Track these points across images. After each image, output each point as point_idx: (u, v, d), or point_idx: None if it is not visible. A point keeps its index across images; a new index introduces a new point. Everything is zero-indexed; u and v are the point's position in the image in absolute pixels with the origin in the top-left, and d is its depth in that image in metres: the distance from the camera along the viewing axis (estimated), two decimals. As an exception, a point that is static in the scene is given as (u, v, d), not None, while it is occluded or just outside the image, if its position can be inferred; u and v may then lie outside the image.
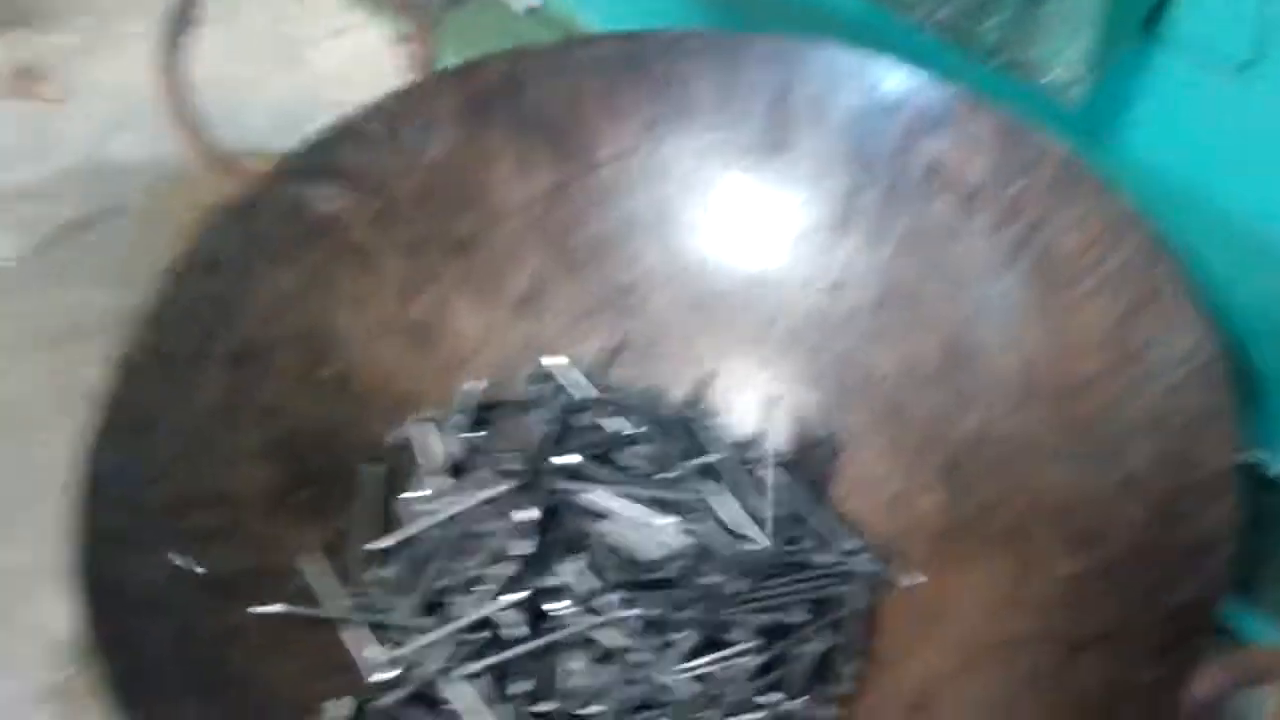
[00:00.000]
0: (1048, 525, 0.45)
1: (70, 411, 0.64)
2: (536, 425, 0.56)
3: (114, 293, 0.71)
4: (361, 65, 0.90)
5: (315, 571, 0.49)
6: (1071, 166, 0.49)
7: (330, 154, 0.54)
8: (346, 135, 0.54)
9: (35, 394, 0.65)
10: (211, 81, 0.76)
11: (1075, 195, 0.48)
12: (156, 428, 0.46)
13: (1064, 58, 0.41)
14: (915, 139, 0.54)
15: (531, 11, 0.83)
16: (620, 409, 0.58)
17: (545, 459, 0.54)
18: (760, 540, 0.51)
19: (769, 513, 0.53)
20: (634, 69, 0.58)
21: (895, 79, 0.54)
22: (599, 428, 0.57)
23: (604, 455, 0.56)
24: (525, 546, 0.49)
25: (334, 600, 0.49)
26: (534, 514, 0.50)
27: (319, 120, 0.85)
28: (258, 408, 0.50)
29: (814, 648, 0.47)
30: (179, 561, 0.44)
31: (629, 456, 0.56)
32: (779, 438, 0.56)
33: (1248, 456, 0.50)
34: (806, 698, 0.46)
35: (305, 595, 0.48)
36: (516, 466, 0.53)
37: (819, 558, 0.50)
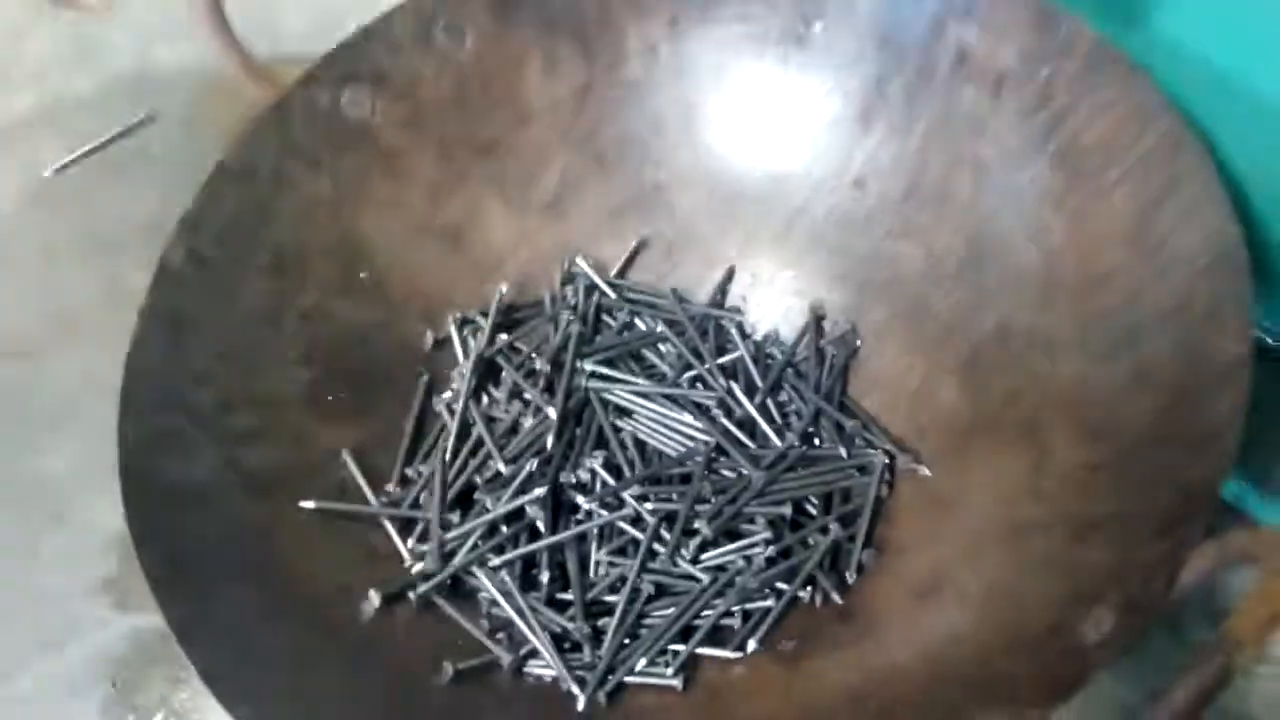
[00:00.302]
0: (1062, 417, 0.45)
1: (121, 316, 0.66)
2: (564, 325, 0.57)
3: (161, 199, 0.72)
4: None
5: (352, 469, 0.51)
6: (1100, 52, 0.47)
7: (360, 58, 0.54)
8: (376, 38, 0.55)
9: (87, 299, 0.68)
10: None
11: (1103, 81, 0.47)
12: (200, 331, 0.48)
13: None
14: (944, 25, 0.53)
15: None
16: (646, 308, 0.58)
17: (572, 358, 0.55)
18: (776, 437, 0.52)
19: (789, 409, 0.54)
20: (658, -39, 0.57)
21: (924, -38, 0.53)
22: (625, 326, 0.58)
23: (630, 353, 0.57)
24: (546, 443, 0.50)
25: (369, 496, 0.51)
26: (552, 413, 0.51)
27: (353, 22, 0.85)
28: (297, 312, 0.52)
29: (826, 538, 0.48)
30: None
31: (654, 354, 0.57)
32: (801, 334, 0.57)
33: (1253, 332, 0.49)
34: (816, 586, 0.47)
35: (342, 490, 0.51)
36: (542, 366, 0.54)
37: (835, 451, 0.51)
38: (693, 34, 0.59)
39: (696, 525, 0.48)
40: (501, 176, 0.60)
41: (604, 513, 0.49)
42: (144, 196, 0.72)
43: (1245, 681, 0.53)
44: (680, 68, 0.60)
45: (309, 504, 0.49)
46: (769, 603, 0.47)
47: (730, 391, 0.54)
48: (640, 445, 0.53)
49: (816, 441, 0.52)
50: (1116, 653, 0.33)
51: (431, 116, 0.58)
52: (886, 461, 0.51)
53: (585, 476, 0.51)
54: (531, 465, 0.50)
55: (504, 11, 0.57)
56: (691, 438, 0.52)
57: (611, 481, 0.50)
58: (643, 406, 0.54)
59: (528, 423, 0.53)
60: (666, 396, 0.54)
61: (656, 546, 0.48)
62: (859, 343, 0.56)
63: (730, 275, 0.60)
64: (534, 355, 0.56)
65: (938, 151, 0.54)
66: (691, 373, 0.55)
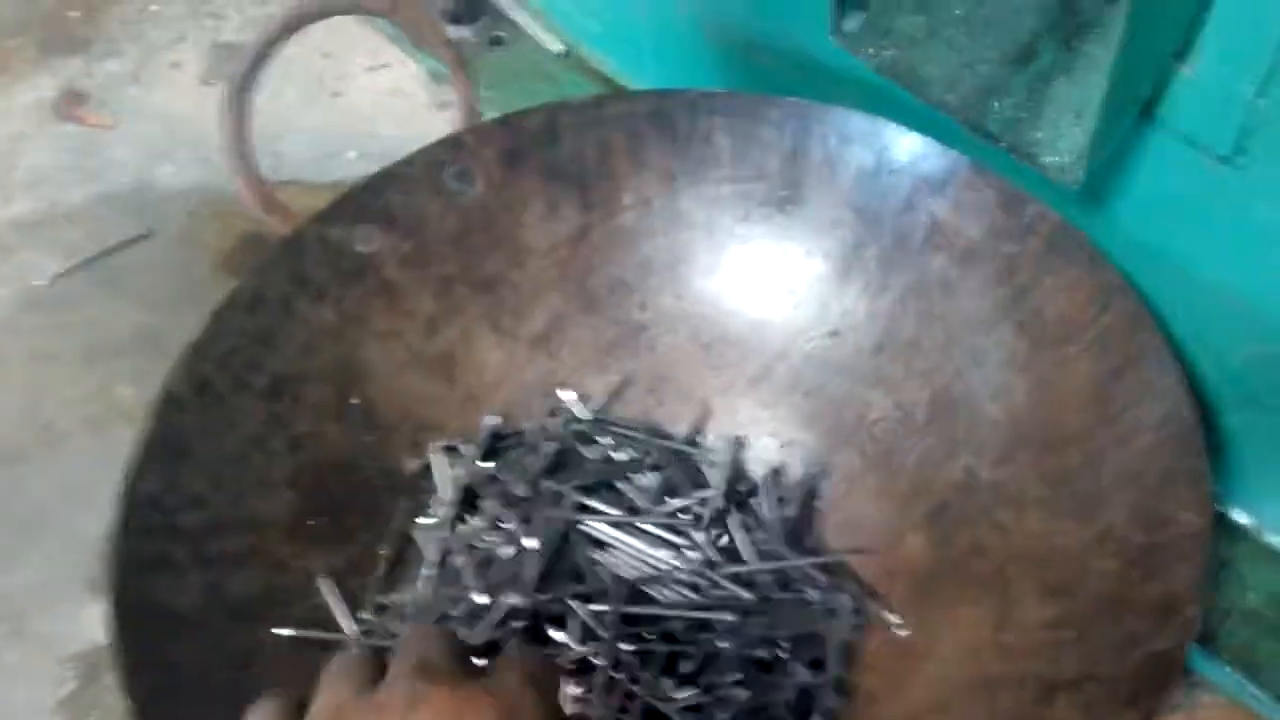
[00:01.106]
0: (1026, 572, 0.47)
1: (107, 429, 0.66)
2: (546, 455, 0.58)
3: (153, 314, 0.73)
4: (397, 100, 0.93)
5: (330, 594, 0.51)
6: (1064, 234, 0.51)
7: (374, 198, 0.57)
8: (391, 180, 0.57)
9: (74, 410, 0.67)
10: (254, 111, 0.79)
11: (1067, 261, 0.51)
12: (194, 456, 0.49)
13: (1065, 142, 0.43)
14: (919, 199, 0.57)
15: (564, 54, 0.86)
16: (625, 441, 0.60)
17: (551, 487, 0.56)
18: (746, 581, 0.53)
19: (760, 548, 0.55)
20: (659, 124, 0.61)
21: (904, 143, 0.57)
22: (605, 459, 0.59)
23: (607, 486, 0.58)
24: (530, 574, 0.51)
25: (346, 622, 0.51)
26: (535, 544, 0.52)
27: (354, 152, 0.88)
28: (288, 437, 0.53)
29: (796, 682, 0.49)
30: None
31: (630, 488, 0.58)
32: (774, 475, 0.59)
33: (1220, 507, 0.52)
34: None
35: (319, 616, 0.50)
36: (522, 493, 0.55)
37: (805, 595, 0.52)
38: (685, 191, 0.62)
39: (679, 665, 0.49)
40: (496, 311, 0.62)
41: (581, 648, 0.49)
42: (136, 310, 0.72)
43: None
44: (671, 220, 0.63)
45: (285, 631, 0.49)
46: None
47: (704, 527, 0.55)
48: (618, 580, 0.53)
49: (785, 584, 0.53)
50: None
51: (434, 253, 0.60)
52: (854, 606, 0.52)
53: (559, 609, 0.52)
54: (510, 600, 0.50)
55: (512, 161, 0.60)
56: (671, 575, 0.53)
57: (590, 622, 0.51)
58: (620, 540, 0.55)
59: (506, 552, 0.54)
60: (643, 530, 0.55)
61: (633, 687, 0.48)
62: (826, 485, 0.58)
63: (708, 415, 0.61)
64: (514, 484, 0.57)
65: (910, 310, 0.58)
66: (669, 508, 0.56)
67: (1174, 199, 0.47)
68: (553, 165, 0.61)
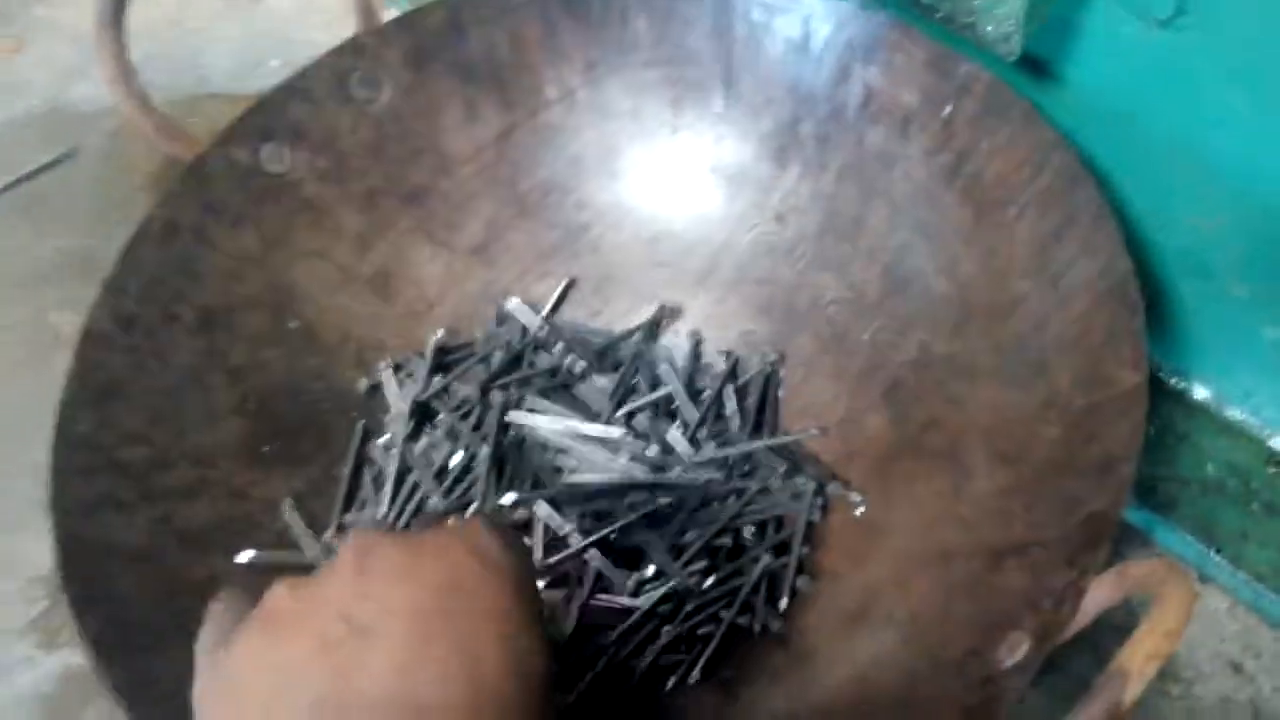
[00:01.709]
0: (979, 443, 0.47)
1: (41, 353, 0.65)
2: (496, 364, 0.57)
3: (82, 235, 0.71)
4: (316, 6, 0.89)
5: (291, 518, 0.51)
6: (998, 92, 0.49)
7: (277, 114, 0.54)
8: (293, 94, 0.54)
9: (7, 335, 0.66)
10: (170, 23, 0.75)
11: (1003, 120, 0.49)
12: (129, 393, 0.47)
13: (1002, 9, 0.41)
14: (849, 69, 0.55)
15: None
16: (576, 345, 0.59)
17: (503, 396, 0.55)
18: (707, 467, 0.52)
19: (722, 440, 0.54)
20: (571, 8, 0.58)
21: (829, 9, 0.54)
22: (557, 365, 0.58)
23: (562, 388, 0.57)
24: (480, 483, 0.50)
25: (309, 545, 0.50)
26: (485, 451, 0.52)
27: (277, 61, 0.85)
28: (228, 367, 0.52)
29: (761, 565, 0.49)
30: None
31: (586, 390, 0.57)
32: (729, 365, 0.58)
33: (1166, 376, 0.52)
34: (756, 612, 0.48)
35: (282, 541, 0.50)
36: (473, 403, 0.55)
37: (767, 481, 0.52)
38: (609, 79, 0.59)
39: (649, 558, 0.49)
40: (428, 223, 0.60)
41: (547, 557, 0.49)
42: (63, 235, 0.70)
43: (1164, 702, 0.55)
44: (598, 112, 0.60)
45: (244, 556, 0.48)
46: (713, 629, 0.47)
47: (662, 424, 0.54)
48: (577, 485, 0.53)
49: (747, 470, 0.53)
50: (1027, 678, 0.35)
51: (353, 168, 0.58)
52: (816, 488, 0.52)
53: (524, 515, 0.51)
54: (473, 506, 0.50)
55: (420, 62, 0.58)
56: (628, 473, 0.52)
57: (553, 525, 0.50)
58: (577, 443, 0.54)
59: (460, 460, 0.53)
60: (600, 431, 0.54)
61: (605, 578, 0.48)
62: (785, 371, 0.57)
63: (661, 313, 0.60)
64: (467, 396, 0.56)
65: (852, 187, 0.56)
66: (624, 409, 0.56)
67: (1119, 65, 0.45)
68: (464, 63, 0.58)
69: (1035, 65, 0.48)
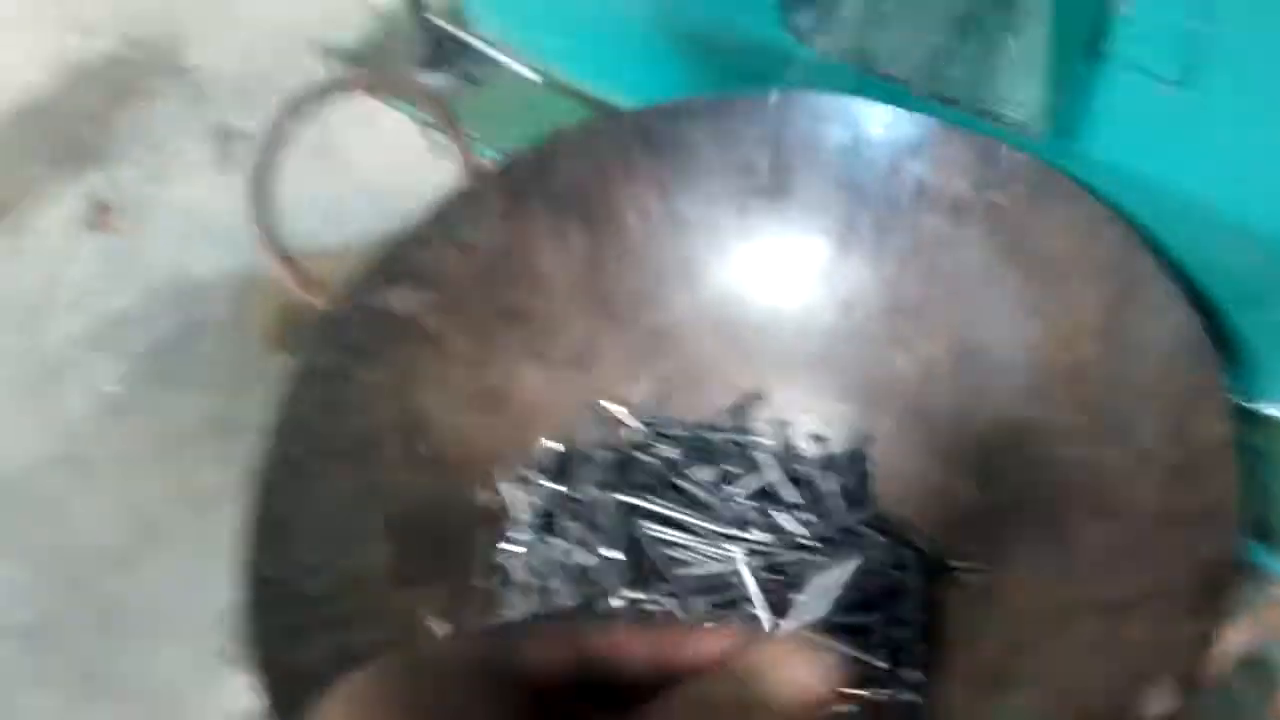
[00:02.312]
0: (1077, 501, 0.47)
1: (198, 516, 0.67)
2: (604, 466, 0.58)
3: (214, 398, 0.74)
4: (394, 153, 0.93)
5: (440, 631, 0.52)
6: (1044, 175, 0.50)
7: (399, 260, 0.57)
8: (410, 240, 0.57)
9: (164, 502, 0.68)
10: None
11: (1052, 200, 0.50)
12: (294, 528, 0.49)
13: (1023, 95, 0.42)
14: (900, 164, 0.56)
15: (539, 82, 0.85)
16: (672, 440, 0.60)
17: (616, 496, 0.56)
18: (818, 548, 0.53)
19: (824, 520, 0.55)
20: (644, 139, 0.60)
21: (874, 115, 0.56)
22: (660, 460, 0.59)
23: (668, 483, 0.58)
24: (613, 585, 0.51)
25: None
26: (619, 555, 0.52)
27: (363, 210, 0.88)
28: (372, 494, 0.53)
29: (886, 639, 0.49)
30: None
31: (687, 483, 0.58)
32: (820, 447, 0.59)
33: (1249, 404, 0.52)
34: (888, 688, 0.48)
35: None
36: (590, 506, 0.56)
37: (874, 553, 0.52)
38: (681, 197, 0.62)
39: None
40: (529, 341, 0.62)
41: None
42: (201, 398, 0.73)
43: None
44: (673, 226, 0.62)
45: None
46: (849, 707, 0.47)
47: (767, 509, 0.55)
48: (697, 578, 0.54)
49: (854, 546, 0.54)
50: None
51: (463, 299, 0.60)
52: (921, 559, 0.52)
53: (654, 609, 0.52)
54: (605, 608, 0.50)
55: (515, 201, 0.60)
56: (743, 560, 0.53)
57: (681, 615, 0.51)
58: (689, 536, 0.55)
59: (589, 563, 0.54)
60: (710, 524, 0.55)
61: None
62: (868, 449, 0.58)
63: (747, 402, 0.61)
64: (581, 499, 0.57)
65: (912, 271, 0.57)
66: (727, 498, 0.57)
67: (1137, 126, 0.47)
68: (554, 196, 0.61)
69: (1060, 138, 0.49)
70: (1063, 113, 0.45)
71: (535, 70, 0.85)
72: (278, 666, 0.43)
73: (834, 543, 0.54)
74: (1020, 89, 0.42)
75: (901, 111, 0.54)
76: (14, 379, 0.78)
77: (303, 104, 0.52)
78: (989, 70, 0.43)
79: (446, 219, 0.58)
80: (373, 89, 0.52)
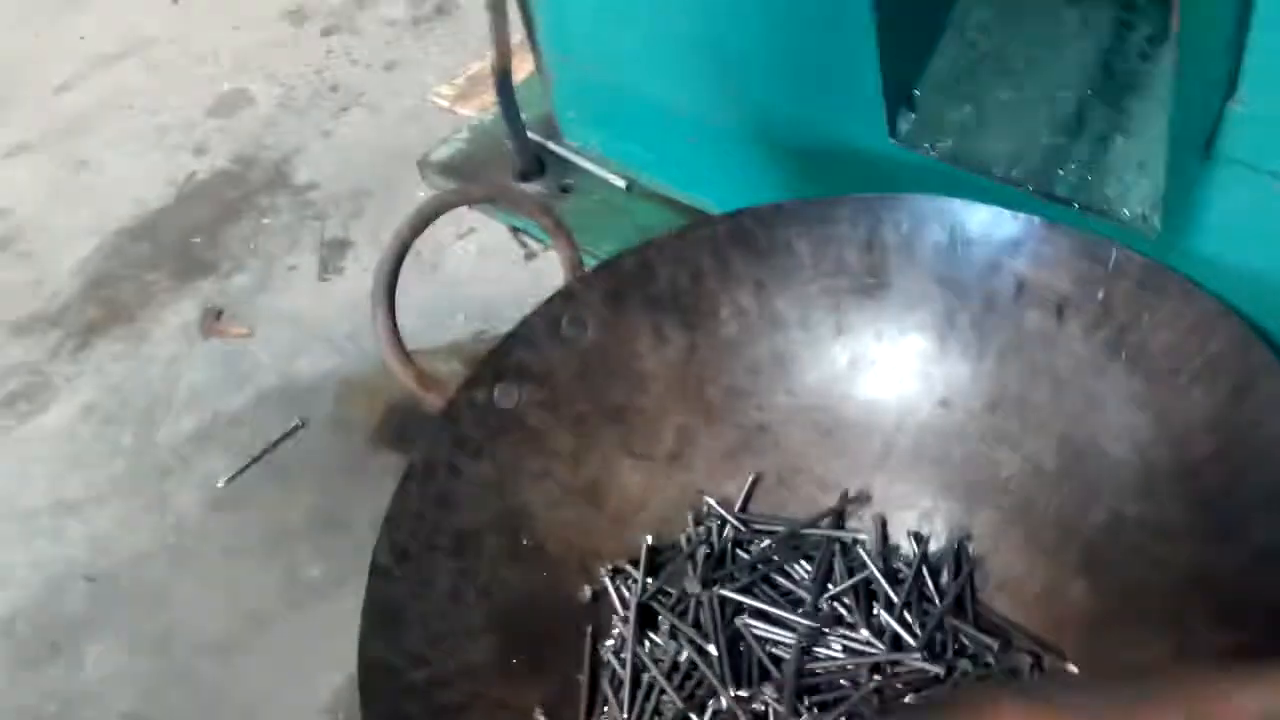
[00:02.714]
0: (1193, 601, 0.45)
1: (301, 609, 0.68)
2: (702, 561, 0.58)
3: (318, 495, 0.76)
4: (488, 261, 0.96)
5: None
6: (1152, 272, 0.50)
7: (506, 357, 0.58)
8: (517, 339, 0.59)
9: (269, 595, 0.69)
10: (367, 295, 0.82)
11: (1161, 296, 0.50)
12: (406, 618, 0.50)
13: (1136, 194, 0.43)
14: (1000, 263, 0.57)
15: (628, 189, 0.88)
16: (772, 536, 0.60)
17: (715, 592, 0.56)
18: (916, 650, 0.52)
19: (928, 621, 0.54)
20: (740, 241, 0.62)
21: (973, 216, 0.57)
22: (757, 557, 0.59)
23: (764, 579, 0.58)
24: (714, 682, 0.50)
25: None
26: (713, 651, 0.52)
27: (461, 315, 0.91)
28: (478, 586, 0.54)
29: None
30: None
31: (786, 580, 0.58)
32: (918, 546, 0.58)
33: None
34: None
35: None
36: (690, 601, 0.55)
37: (983, 658, 0.51)
38: (777, 296, 0.63)
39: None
40: (628, 436, 0.63)
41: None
42: (306, 494, 0.75)
43: None
44: (769, 324, 0.63)
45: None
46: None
47: (865, 609, 0.54)
48: (801, 673, 0.53)
49: (959, 648, 0.52)
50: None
51: (565, 396, 0.61)
52: (1032, 662, 0.50)
53: (759, 709, 0.51)
54: (715, 704, 0.50)
55: (617, 301, 0.62)
56: (843, 665, 0.52)
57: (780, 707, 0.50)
58: (789, 636, 0.54)
59: (690, 659, 0.54)
60: (808, 624, 0.54)
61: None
62: (968, 546, 0.57)
63: (845, 499, 0.61)
64: (684, 593, 0.57)
65: (1013, 367, 0.57)
66: (826, 596, 0.56)
67: (1249, 222, 0.47)
68: (653, 297, 0.63)
69: (1170, 235, 0.50)
70: (1174, 210, 0.46)
71: (624, 178, 0.89)
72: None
73: (940, 644, 0.52)
74: (1134, 188, 0.43)
75: (1002, 210, 0.55)
76: (129, 474, 0.81)
77: (425, 214, 0.55)
78: (1101, 170, 0.44)
79: (550, 318, 0.60)
80: (487, 199, 0.54)
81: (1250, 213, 0.45)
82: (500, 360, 0.58)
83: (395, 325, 0.53)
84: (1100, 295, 0.53)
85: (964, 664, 0.51)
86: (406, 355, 0.53)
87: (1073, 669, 0.49)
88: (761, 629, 0.55)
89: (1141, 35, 0.45)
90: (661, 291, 0.63)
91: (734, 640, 0.55)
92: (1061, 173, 0.45)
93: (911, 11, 0.47)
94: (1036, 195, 0.46)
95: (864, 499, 0.61)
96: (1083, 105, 0.46)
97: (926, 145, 0.48)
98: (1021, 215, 0.55)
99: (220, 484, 0.78)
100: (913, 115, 0.50)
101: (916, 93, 0.49)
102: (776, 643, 0.55)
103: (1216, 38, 0.40)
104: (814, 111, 0.65)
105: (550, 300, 0.60)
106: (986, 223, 0.57)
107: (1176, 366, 0.49)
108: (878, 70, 0.47)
